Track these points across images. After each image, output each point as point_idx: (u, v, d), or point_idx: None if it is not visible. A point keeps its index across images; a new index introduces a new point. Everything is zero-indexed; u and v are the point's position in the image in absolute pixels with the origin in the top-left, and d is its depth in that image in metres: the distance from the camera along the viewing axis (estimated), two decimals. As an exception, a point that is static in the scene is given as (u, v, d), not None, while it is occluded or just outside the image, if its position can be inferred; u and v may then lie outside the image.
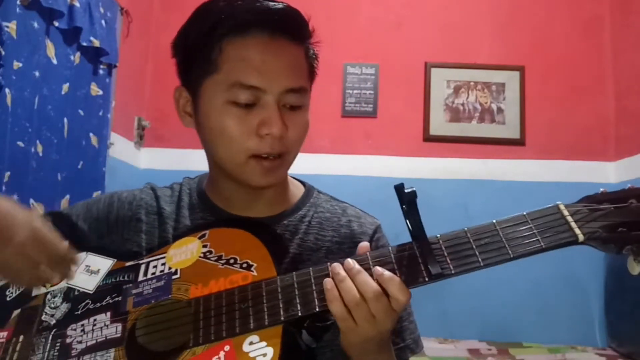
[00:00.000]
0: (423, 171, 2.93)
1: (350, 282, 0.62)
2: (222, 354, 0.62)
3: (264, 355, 0.60)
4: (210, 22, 0.72)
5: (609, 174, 2.92)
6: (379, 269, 0.62)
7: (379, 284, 0.61)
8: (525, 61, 3.04)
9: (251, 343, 0.62)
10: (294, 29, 0.74)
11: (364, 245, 0.67)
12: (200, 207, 0.83)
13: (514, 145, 2.99)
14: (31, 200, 1.90)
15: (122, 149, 2.72)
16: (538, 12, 3.09)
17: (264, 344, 0.62)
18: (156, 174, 2.90)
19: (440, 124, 3.02)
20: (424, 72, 3.06)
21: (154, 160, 3.01)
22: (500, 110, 3.03)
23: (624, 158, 2.85)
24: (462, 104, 3.04)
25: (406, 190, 0.62)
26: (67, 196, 2.14)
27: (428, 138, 3.01)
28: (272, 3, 0.73)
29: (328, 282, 0.63)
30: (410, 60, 3.07)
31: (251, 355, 0.61)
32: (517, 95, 3.02)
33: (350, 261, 0.64)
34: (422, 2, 3.15)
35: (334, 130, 3.00)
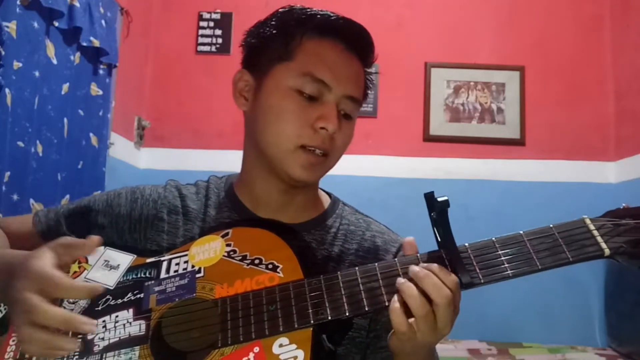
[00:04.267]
0: (423, 171, 2.92)
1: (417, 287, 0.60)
2: (251, 355, 0.62)
3: (295, 357, 0.60)
4: (294, 19, 0.78)
5: (609, 174, 2.92)
6: (445, 270, 0.61)
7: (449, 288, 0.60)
8: (525, 61, 3.04)
9: (281, 345, 0.62)
10: (364, 49, 0.80)
11: (410, 240, 0.67)
12: (228, 205, 0.82)
13: (514, 145, 2.99)
14: (31, 200, 1.90)
15: (122, 149, 2.72)
16: (538, 12, 3.09)
17: (294, 346, 0.61)
18: (156, 174, 2.90)
19: (440, 124, 3.02)
20: (424, 72, 3.06)
21: (154, 160, 3.01)
22: (500, 110, 3.03)
23: (624, 158, 2.85)
24: (462, 104, 3.04)
25: (439, 199, 0.62)
26: (67, 196, 2.14)
27: (428, 138, 3.01)
28: (350, 20, 0.78)
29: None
30: (410, 60, 3.07)
31: (282, 357, 0.60)
32: (517, 95, 3.02)
33: (415, 267, 0.61)
34: (422, 2, 3.15)
35: (334, 130, 2.99)
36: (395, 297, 0.61)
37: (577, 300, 2.81)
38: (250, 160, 0.82)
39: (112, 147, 2.55)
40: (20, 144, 1.84)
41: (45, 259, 0.64)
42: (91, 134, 2.31)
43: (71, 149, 2.15)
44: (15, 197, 1.80)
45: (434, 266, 0.61)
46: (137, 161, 2.97)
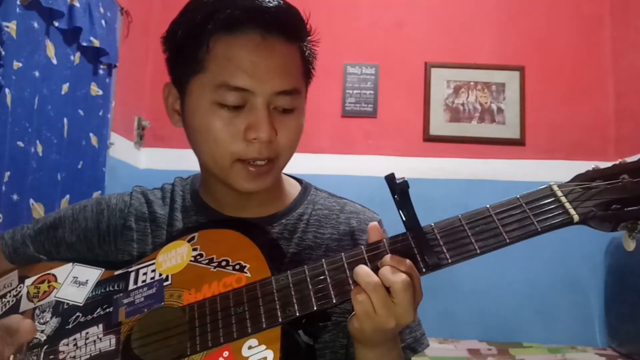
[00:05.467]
0: (423, 171, 2.92)
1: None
2: None
3: (265, 358, 0.59)
4: (199, 18, 0.69)
5: (609, 174, 2.92)
6: (397, 258, 0.60)
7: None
8: (525, 61, 3.04)
9: (250, 347, 0.61)
10: (288, 28, 0.70)
11: (374, 225, 0.65)
12: (194, 209, 0.80)
13: (514, 145, 2.99)
14: (31, 200, 1.90)
15: (122, 149, 2.72)
16: (538, 12, 3.09)
17: (263, 347, 0.60)
18: (156, 174, 2.90)
19: (440, 124, 3.02)
20: (424, 72, 3.06)
21: (154, 160, 3.01)
22: (500, 110, 3.03)
23: (624, 158, 2.84)
24: (462, 104, 3.04)
25: (397, 181, 0.60)
26: (67, 196, 2.14)
27: (428, 138, 3.01)
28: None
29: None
30: (410, 60, 3.07)
31: (251, 359, 0.60)
32: (517, 95, 3.02)
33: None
34: (422, 2, 3.15)
35: (334, 130, 3.00)
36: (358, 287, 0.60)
37: (577, 300, 2.80)
38: (202, 169, 0.79)
39: (112, 147, 2.54)
40: (20, 144, 1.84)
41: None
42: (91, 134, 2.31)
43: (71, 149, 2.15)
44: (15, 197, 1.80)
45: (386, 257, 0.60)
46: (137, 161, 2.97)
